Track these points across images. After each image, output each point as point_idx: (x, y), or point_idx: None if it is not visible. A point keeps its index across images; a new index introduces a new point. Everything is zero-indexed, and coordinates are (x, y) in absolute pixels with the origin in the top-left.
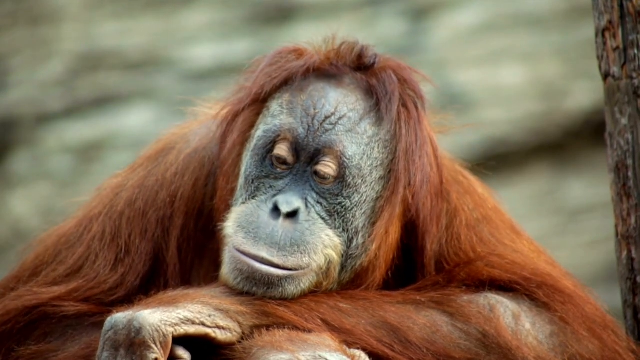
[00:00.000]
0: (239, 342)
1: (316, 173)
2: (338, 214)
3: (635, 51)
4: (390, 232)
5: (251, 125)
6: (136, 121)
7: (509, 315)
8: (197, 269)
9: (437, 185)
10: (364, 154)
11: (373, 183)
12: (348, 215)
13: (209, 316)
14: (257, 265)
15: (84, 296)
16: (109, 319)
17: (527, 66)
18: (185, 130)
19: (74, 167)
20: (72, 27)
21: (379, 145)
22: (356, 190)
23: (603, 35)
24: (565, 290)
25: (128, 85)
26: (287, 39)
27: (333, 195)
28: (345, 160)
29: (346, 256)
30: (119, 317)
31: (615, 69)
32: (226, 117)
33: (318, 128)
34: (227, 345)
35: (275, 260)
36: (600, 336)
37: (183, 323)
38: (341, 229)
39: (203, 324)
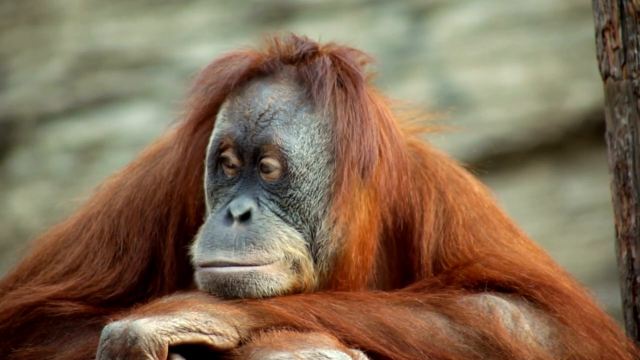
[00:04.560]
0: (237, 346)
1: (261, 170)
2: (292, 206)
3: (635, 51)
4: (355, 215)
5: (207, 141)
6: (136, 121)
7: (508, 317)
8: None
9: (392, 160)
10: (303, 143)
11: (322, 169)
12: (303, 205)
13: (205, 323)
14: (218, 269)
15: (81, 294)
16: (105, 327)
17: (527, 66)
18: None
19: (74, 167)
20: (72, 27)
21: (318, 130)
22: (304, 179)
23: (603, 35)
24: (564, 290)
25: (128, 85)
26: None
27: (282, 189)
28: (285, 152)
29: (315, 246)
30: (115, 326)
31: (615, 69)
32: (182, 137)
33: (254, 127)
34: (225, 351)
35: (233, 259)
36: (600, 337)
37: (179, 331)
38: (300, 221)
39: (199, 331)
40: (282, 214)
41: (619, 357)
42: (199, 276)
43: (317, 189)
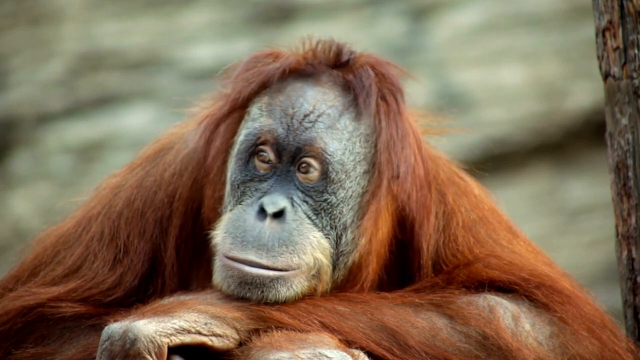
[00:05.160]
0: (237, 347)
1: (299, 171)
2: (325, 211)
3: (636, 51)
4: (380, 226)
5: (234, 132)
6: (136, 121)
7: (509, 317)
8: (195, 269)
9: (423, 177)
10: (345, 149)
11: (358, 178)
12: (335, 211)
13: (205, 324)
14: (247, 268)
15: (82, 296)
16: (105, 328)
17: (527, 66)
18: (184, 130)
19: (74, 167)
20: (72, 27)
21: (360, 139)
22: (341, 185)
23: (603, 35)
24: (564, 290)
25: (128, 85)
26: (287, 39)
27: (318, 193)
28: (327, 156)
29: (337, 254)
30: (115, 327)
31: (615, 69)
32: (207, 126)
33: (297, 127)
34: (225, 352)
35: (264, 261)
36: (600, 336)
37: (179, 333)
38: (329, 227)
39: (199, 333)
40: (313, 218)
41: (620, 356)
42: (221, 266)
43: (350, 197)
